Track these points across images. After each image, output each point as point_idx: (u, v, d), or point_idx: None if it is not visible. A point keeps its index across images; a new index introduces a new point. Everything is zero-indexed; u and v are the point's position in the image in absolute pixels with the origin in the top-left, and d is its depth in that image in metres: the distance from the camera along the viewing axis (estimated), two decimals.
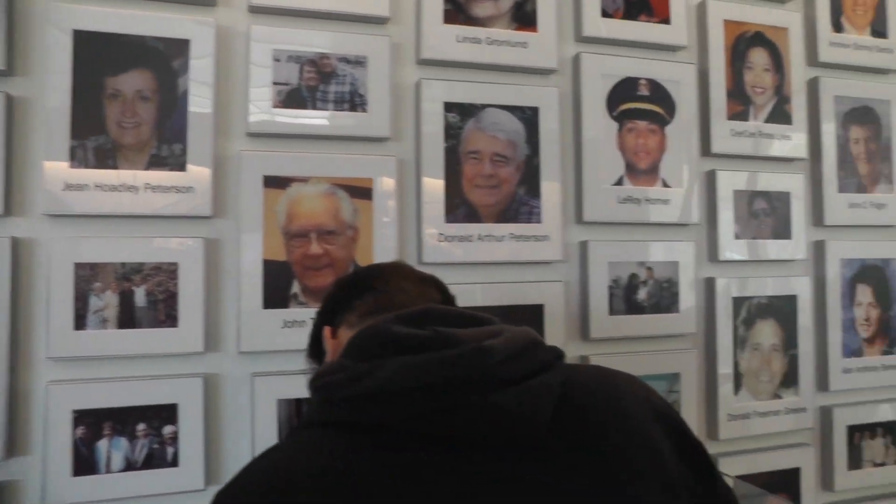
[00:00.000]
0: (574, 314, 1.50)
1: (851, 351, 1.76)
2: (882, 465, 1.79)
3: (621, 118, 1.54)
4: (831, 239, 1.75)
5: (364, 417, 0.67)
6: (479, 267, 1.44)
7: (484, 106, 1.44)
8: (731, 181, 1.63)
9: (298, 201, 1.33)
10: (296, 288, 1.33)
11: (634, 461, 0.69)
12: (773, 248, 1.68)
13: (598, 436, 0.69)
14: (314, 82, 1.35)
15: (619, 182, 1.53)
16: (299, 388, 1.28)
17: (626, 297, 1.52)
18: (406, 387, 0.66)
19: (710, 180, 1.63)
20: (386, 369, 0.67)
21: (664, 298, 1.56)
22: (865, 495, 1.78)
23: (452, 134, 1.42)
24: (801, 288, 1.71)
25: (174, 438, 1.26)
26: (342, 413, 0.68)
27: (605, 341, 1.51)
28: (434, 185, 1.40)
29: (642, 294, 1.54)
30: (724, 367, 1.61)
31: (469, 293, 1.41)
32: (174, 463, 1.26)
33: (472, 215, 1.42)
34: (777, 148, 1.69)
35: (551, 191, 1.47)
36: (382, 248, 1.36)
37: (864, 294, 1.78)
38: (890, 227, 1.84)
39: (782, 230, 1.69)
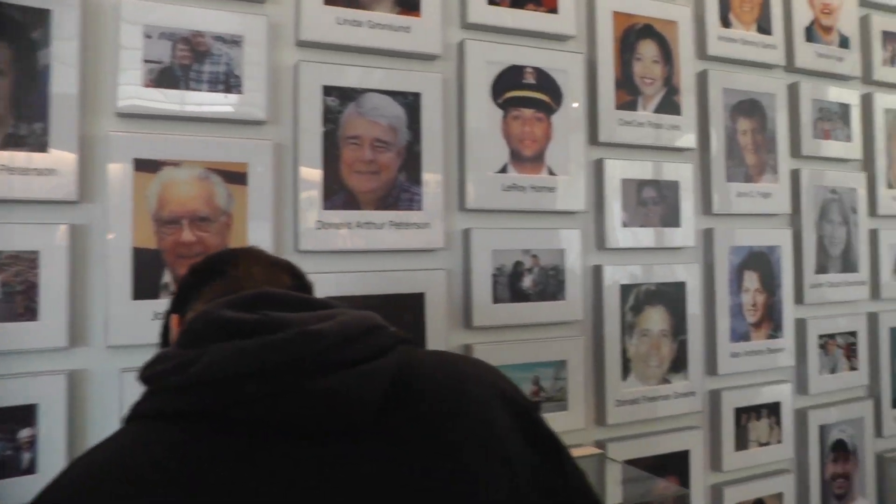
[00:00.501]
0: (457, 303, 1.52)
1: (739, 335, 1.82)
2: (766, 444, 1.86)
3: (506, 106, 1.55)
4: (719, 227, 1.81)
5: (192, 406, 0.65)
6: (359, 255, 1.43)
7: (364, 90, 1.43)
8: (618, 170, 1.67)
9: (170, 186, 1.30)
10: (167, 277, 1.30)
11: (472, 444, 0.69)
12: (662, 236, 1.72)
13: (434, 420, 0.69)
14: (188, 61, 1.32)
15: (504, 169, 1.54)
16: None
17: (511, 285, 1.54)
18: (232, 373, 0.64)
19: (598, 169, 1.66)
20: (211, 355, 0.66)
21: (550, 286, 1.58)
22: (752, 474, 1.85)
23: (331, 118, 1.41)
24: (690, 275, 1.75)
25: (31, 443, 1.21)
26: (170, 403, 0.66)
27: (488, 329, 1.53)
28: (312, 171, 1.39)
29: (527, 282, 1.56)
30: (612, 354, 1.65)
31: (348, 282, 1.40)
32: (30, 470, 1.20)
33: (352, 202, 1.42)
34: (666, 138, 1.73)
35: (433, 178, 1.48)
36: (258, 235, 1.35)
37: (751, 280, 1.84)
38: (775, 215, 1.91)
39: (671, 218, 1.73)
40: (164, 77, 1.31)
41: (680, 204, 1.75)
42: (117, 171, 1.28)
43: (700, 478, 1.76)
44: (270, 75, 1.37)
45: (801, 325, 1.94)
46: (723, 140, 1.81)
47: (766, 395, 1.86)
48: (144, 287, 1.28)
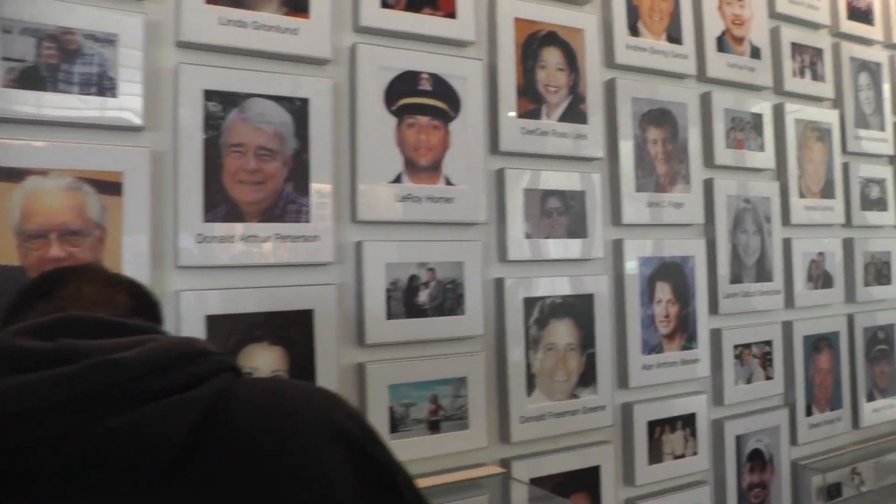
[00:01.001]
0: (349, 319, 1.46)
1: (651, 347, 1.80)
2: (682, 456, 1.84)
3: (401, 113, 1.51)
4: (629, 237, 1.79)
5: None
6: (243, 270, 1.37)
7: (249, 95, 1.38)
8: (521, 180, 1.64)
9: (36, 197, 1.22)
10: None
11: (291, 486, 0.63)
12: (568, 248, 1.69)
13: (250, 459, 0.63)
14: (55, 60, 1.24)
15: (398, 179, 1.50)
16: None
17: (406, 300, 1.50)
18: (11, 412, 0.57)
19: (499, 179, 1.63)
20: None
21: (448, 300, 1.54)
22: (667, 487, 1.84)
23: (213, 125, 1.35)
24: (598, 286, 1.73)
25: None
26: None
27: (382, 347, 1.48)
28: (191, 181, 1.33)
29: (424, 296, 1.52)
30: (516, 369, 1.62)
31: (231, 299, 1.34)
32: None
33: (235, 214, 1.36)
34: (571, 147, 1.71)
35: (322, 188, 1.43)
36: (134, 250, 1.28)
37: (663, 291, 1.83)
38: (688, 225, 1.90)
39: (577, 229, 1.71)
40: (28, 77, 1.22)
41: (587, 214, 1.73)
42: None
43: (612, 493, 1.73)
44: (148, 78, 1.30)
45: (716, 335, 1.93)
46: (632, 149, 1.80)
47: (680, 407, 1.85)
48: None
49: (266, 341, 1.37)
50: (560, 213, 1.69)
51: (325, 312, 1.42)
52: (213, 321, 1.33)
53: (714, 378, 1.94)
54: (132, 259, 1.28)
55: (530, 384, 1.64)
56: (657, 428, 1.81)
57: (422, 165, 1.53)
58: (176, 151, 1.33)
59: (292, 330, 1.40)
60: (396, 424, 1.48)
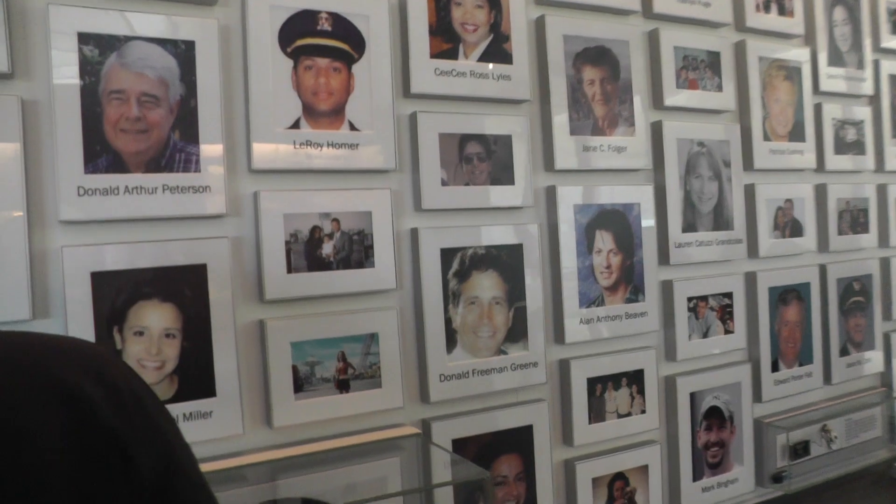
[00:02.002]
0: (249, 274, 1.42)
1: (590, 300, 1.73)
2: (627, 415, 1.77)
3: (297, 55, 1.46)
4: (563, 184, 1.71)
5: None
6: (130, 224, 1.35)
7: (128, 38, 1.34)
8: (435, 124, 1.57)
9: None
10: None
11: None
12: (491, 196, 1.62)
13: None
14: None
15: (296, 125, 1.45)
16: None
17: (308, 253, 1.45)
18: None
19: (412, 123, 1.56)
20: None
21: (355, 252, 1.50)
22: (611, 447, 1.78)
23: (90, 70, 1.31)
24: (527, 236, 1.67)
25: None
26: None
27: (283, 303, 1.45)
28: (69, 131, 1.29)
29: (327, 249, 1.47)
30: (434, 325, 1.57)
31: (118, 254, 1.32)
32: None
33: (118, 165, 1.32)
34: (494, 89, 1.64)
35: (212, 136, 1.39)
36: (10, 206, 1.25)
37: (604, 240, 1.75)
38: (631, 171, 1.81)
39: (502, 176, 1.64)
40: None
41: (514, 160, 1.65)
42: None
43: (547, 454, 1.68)
44: (14, 21, 1.27)
45: (666, 287, 1.86)
46: (564, 90, 1.72)
47: (625, 363, 1.78)
48: None
49: (156, 298, 1.34)
50: (482, 159, 1.63)
51: (219, 267, 1.39)
52: (99, 278, 1.30)
53: (666, 333, 1.86)
54: (5, 214, 1.26)
55: (450, 341, 1.58)
56: (598, 385, 1.75)
57: (322, 111, 1.48)
58: (51, 100, 1.29)
59: (184, 286, 1.37)
60: (301, 384, 1.45)
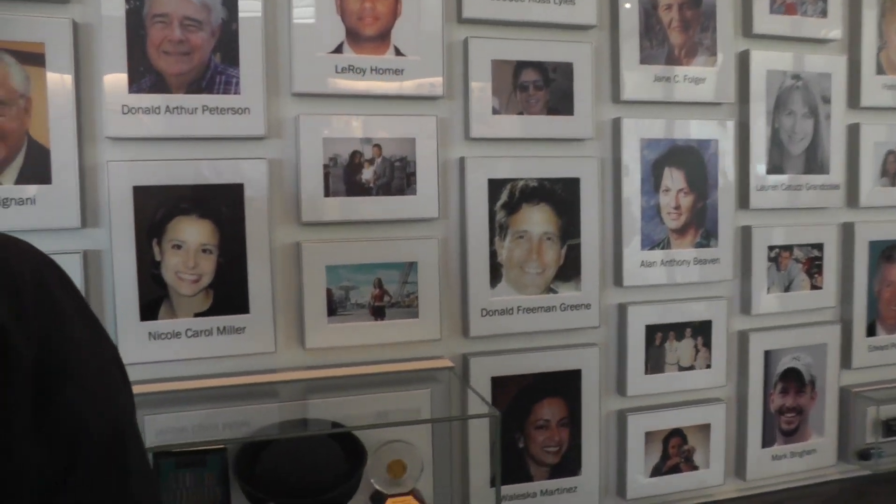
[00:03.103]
0: (288, 196, 1.44)
1: (654, 242, 1.63)
2: (689, 368, 1.66)
3: None
4: (630, 117, 1.60)
5: None
6: (171, 142, 1.40)
7: None
8: (488, 49, 1.51)
9: None
10: None
11: None
12: (548, 126, 1.54)
13: None
14: None
15: (339, 49, 1.44)
16: None
17: (347, 178, 1.45)
18: None
19: (464, 49, 1.50)
20: None
21: (397, 179, 1.47)
22: (669, 401, 1.67)
23: None
24: (586, 170, 1.57)
25: None
26: None
27: (320, 226, 1.46)
28: (115, 52, 1.36)
29: (367, 174, 1.46)
30: (478, 257, 1.53)
31: (160, 170, 1.37)
32: None
33: (160, 85, 1.38)
34: (555, 13, 1.55)
35: (252, 59, 1.40)
36: (59, 119, 1.34)
37: (674, 179, 1.63)
38: (709, 104, 1.66)
39: (561, 106, 1.55)
40: None
41: (573, 89, 1.56)
42: None
43: (595, 401, 1.61)
44: None
45: (745, 233, 1.70)
46: (637, 16, 1.59)
47: (691, 313, 1.67)
48: None
49: (194, 214, 1.40)
50: (538, 88, 1.54)
51: (257, 188, 1.41)
52: (141, 192, 1.37)
53: (742, 283, 1.71)
54: (58, 128, 1.34)
55: (495, 275, 1.54)
56: (658, 334, 1.64)
57: (367, 35, 1.45)
58: (99, 22, 1.35)
59: (222, 204, 1.41)
60: (335, 308, 1.46)
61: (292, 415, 1.49)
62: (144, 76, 1.37)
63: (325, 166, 1.45)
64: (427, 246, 1.51)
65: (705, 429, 1.69)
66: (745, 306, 1.72)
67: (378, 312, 1.49)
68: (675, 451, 1.68)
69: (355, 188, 1.46)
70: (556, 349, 1.60)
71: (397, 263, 1.49)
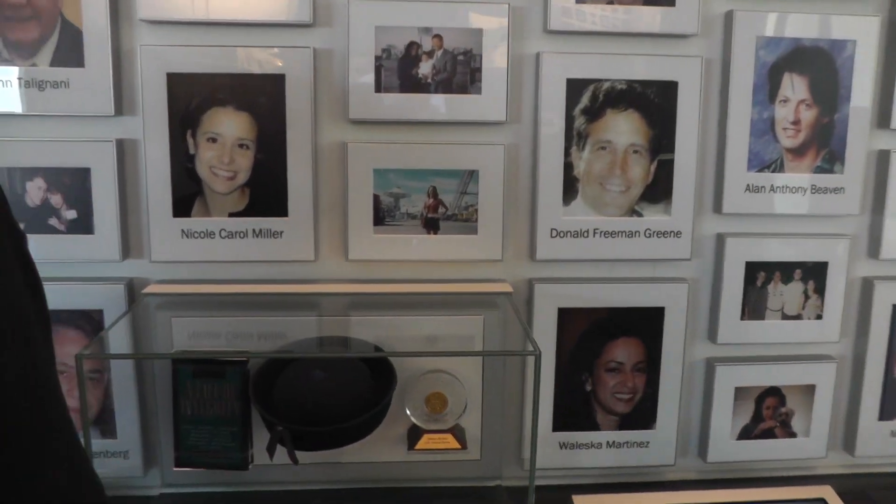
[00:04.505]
0: (335, 90, 1.31)
1: (764, 163, 1.39)
2: (796, 317, 1.43)
3: None
4: (744, 9, 1.35)
5: None
6: (208, 27, 1.29)
7: None
8: None
9: None
10: None
11: None
12: (641, 17, 1.32)
13: None
14: None
15: None
16: (18, 155, 1.28)
17: (402, 72, 1.30)
18: None
19: None
20: None
21: (459, 75, 1.31)
22: (768, 354, 1.46)
23: None
24: (686, 72, 1.35)
25: None
26: None
27: (369, 124, 1.33)
28: None
29: (425, 68, 1.30)
30: (549, 169, 1.35)
31: (196, 57, 1.28)
32: None
33: None
34: None
35: None
36: (96, 3, 1.25)
37: (795, 87, 1.38)
38: None
39: None
40: None
41: None
42: None
43: (679, 346, 1.42)
44: None
45: (881, 159, 1.43)
46: None
47: (802, 252, 1.43)
48: None
49: (231, 106, 1.30)
50: None
51: (300, 80, 1.29)
52: (175, 79, 1.28)
53: (873, 219, 1.45)
54: (92, 11, 1.27)
55: (569, 190, 1.36)
56: (760, 273, 1.42)
57: None
58: None
59: (260, 96, 1.30)
60: (382, 216, 1.34)
61: (330, 330, 1.39)
62: None
63: (378, 58, 1.30)
64: (491, 153, 1.34)
65: (809, 390, 1.46)
66: (874, 249, 1.44)
67: (431, 224, 1.35)
68: (769, 413, 1.46)
69: (410, 84, 1.31)
70: (637, 282, 1.41)
71: (455, 171, 1.34)
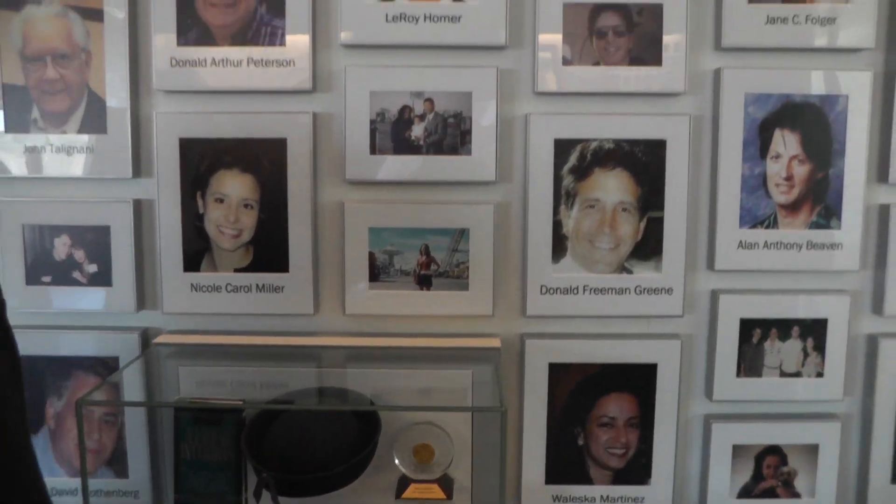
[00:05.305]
0: (333, 152, 1.41)
1: (757, 219, 1.41)
2: (795, 375, 1.42)
3: None
4: (733, 66, 1.38)
5: None
6: (216, 95, 1.41)
7: None
8: None
9: (33, 24, 1.42)
10: (35, 113, 1.42)
11: None
12: (629, 78, 1.38)
13: None
14: None
15: None
16: (49, 214, 1.42)
17: (395, 134, 1.39)
18: None
19: None
20: None
21: (450, 137, 1.39)
22: (767, 412, 1.45)
23: None
24: (675, 131, 1.39)
25: None
26: None
27: (365, 185, 1.42)
28: (165, 5, 1.39)
29: (417, 130, 1.39)
30: (538, 226, 1.40)
31: (204, 123, 1.40)
32: None
33: (206, 37, 1.40)
34: None
35: (299, 9, 1.38)
36: (115, 72, 1.41)
37: (787, 143, 1.40)
38: (839, 50, 1.39)
39: (647, 54, 1.38)
40: None
41: (663, 34, 1.37)
42: None
43: (673, 402, 1.43)
44: None
45: (881, 214, 1.42)
46: None
47: (801, 308, 1.43)
48: (15, 121, 1.42)
49: (237, 168, 1.41)
50: (619, 33, 1.38)
51: (300, 143, 1.40)
52: (186, 144, 1.40)
53: (876, 275, 1.43)
54: (114, 80, 1.41)
55: (559, 247, 1.41)
56: (756, 330, 1.42)
57: None
58: None
59: (264, 159, 1.40)
60: (377, 273, 1.41)
61: (327, 381, 1.46)
62: (192, 28, 1.39)
63: (373, 121, 1.39)
64: (481, 211, 1.41)
65: (812, 450, 1.44)
66: (877, 305, 1.43)
67: (424, 281, 1.42)
68: (770, 472, 1.45)
69: (403, 146, 1.40)
70: (629, 338, 1.44)
71: (447, 229, 1.41)
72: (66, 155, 1.43)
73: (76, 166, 1.42)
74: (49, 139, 1.42)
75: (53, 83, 1.43)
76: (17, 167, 1.43)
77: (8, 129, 1.43)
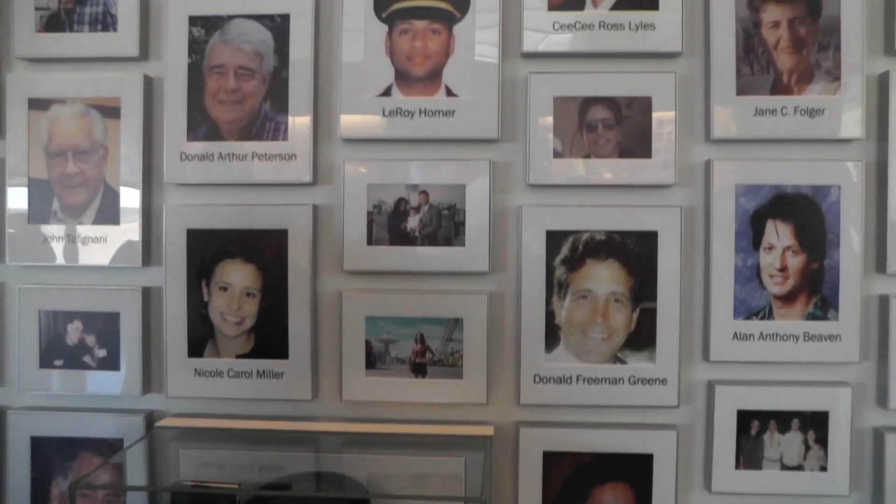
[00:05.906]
0: (332, 242, 1.47)
1: (751, 310, 1.41)
2: (797, 468, 1.40)
3: (392, 19, 1.45)
4: (722, 158, 1.41)
5: None
6: (222, 188, 1.49)
7: (230, 17, 1.48)
8: (549, 86, 1.43)
9: (57, 122, 1.53)
10: (56, 205, 1.52)
11: None
12: (619, 170, 1.42)
13: None
14: (71, 6, 1.52)
15: (387, 92, 1.44)
16: (64, 300, 1.51)
17: (391, 226, 1.44)
18: None
19: (524, 86, 1.43)
20: None
21: (444, 228, 1.44)
22: None
23: (197, 49, 1.49)
24: (666, 222, 1.42)
25: None
26: None
27: (362, 275, 1.47)
28: (177, 103, 1.49)
29: (413, 222, 1.44)
30: (531, 317, 1.43)
31: (210, 214, 1.48)
32: None
33: (214, 133, 1.48)
34: (630, 41, 1.43)
35: (301, 105, 1.46)
36: (130, 166, 1.50)
37: (779, 234, 1.41)
38: (829, 141, 1.41)
39: (636, 146, 1.42)
40: (53, 22, 1.52)
41: (652, 127, 1.41)
42: (16, 110, 1.52)
43: (670, 494, 1.42)
44: (141, 10, 1.50)
45: (881, 304, 1.42)
46: (732, 38, 1.41)
47: (800, 400, 1.42)
48: (38, 212, 1.52)
49: (240, 258, 1.48)
50: (609, 126, 1.42)
51: (300, 234, 1.46)
52: (193, 235, 1.48)
53: (879, 367, 1.42)
54: (129, 174, 1.51)
55: (552, 337, 1.43)
56: (754, 422, 1.41)
57: (416, 76, 1.45)
58: (165, 77, 1.50)
59: (266, 249, 1.47)
60: (374, 360, 1.45)
61: (324, 466, 1.50)
62: (201, 125, 1.49)
63: (370, 213, 1.45)
64: (474, 302, 1.44)
65: None
66: (882, 398, 1.41)
67: (419, 369, 1.46)
68: None
69: (399, 237, 1.45)
70: (624, 428, 1.44)
71: (441, 319, 1.45)
72: (80, 244, 1.52)
73: (89, 255, 1.51)
74: (67, 230, 1.52)
75: (73, 177, 1.53)
76: (37, 256, 1.53)
77: (31, 220, 1.53)
